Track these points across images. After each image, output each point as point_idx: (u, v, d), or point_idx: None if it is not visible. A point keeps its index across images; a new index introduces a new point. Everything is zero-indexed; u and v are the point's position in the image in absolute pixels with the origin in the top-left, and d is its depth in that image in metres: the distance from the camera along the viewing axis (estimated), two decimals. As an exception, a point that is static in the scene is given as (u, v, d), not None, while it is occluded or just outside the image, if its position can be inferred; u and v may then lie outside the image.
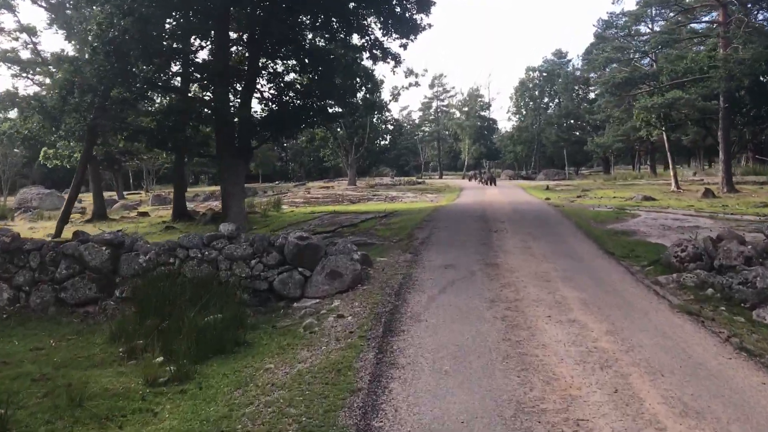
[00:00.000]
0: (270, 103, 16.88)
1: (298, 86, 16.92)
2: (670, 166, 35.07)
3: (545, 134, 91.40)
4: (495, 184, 45.35)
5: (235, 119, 15.04)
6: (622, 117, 66.67)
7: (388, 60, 18.63)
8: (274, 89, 17.23)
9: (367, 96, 21.11)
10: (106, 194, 65.81)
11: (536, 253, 11.79)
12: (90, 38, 12.96)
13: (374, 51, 16.91)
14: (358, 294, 9.44)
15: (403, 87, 49.59)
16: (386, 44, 17.85)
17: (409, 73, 48.55)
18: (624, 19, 34.97)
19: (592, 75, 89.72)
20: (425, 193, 41.16)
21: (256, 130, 15.82)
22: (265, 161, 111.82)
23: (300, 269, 10.26)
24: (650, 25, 37.00)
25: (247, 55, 16.63)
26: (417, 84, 48.71)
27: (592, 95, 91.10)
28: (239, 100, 16.26)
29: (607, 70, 70.08)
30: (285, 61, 16.77)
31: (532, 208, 21.48)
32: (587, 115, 79.43)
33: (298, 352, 6.85)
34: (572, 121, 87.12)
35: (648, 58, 37.46)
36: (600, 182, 48.09)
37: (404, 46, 17.02)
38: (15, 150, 54.62)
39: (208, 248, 10.63)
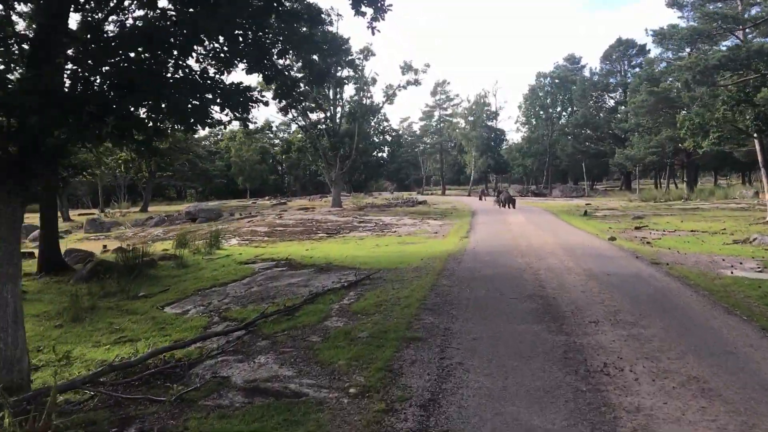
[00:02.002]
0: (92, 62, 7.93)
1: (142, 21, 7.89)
2: (765, 187, 26.04)
3: (559, 146, 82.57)
4: (514, 207, 36.40)
5: None
6: (650, 126, 58.06)
7: (363, 5, 9.64)
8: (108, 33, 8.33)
9: (316, 59, 12.26)
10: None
11: None
12: None
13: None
14: None
15: (399, 86, 40.44)
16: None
17: (407, 68, 39.70)
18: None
19: (610, 79, 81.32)
20: (427, 219, 32.25)
21: (55, 114, 6.70)
22: (253, 174, 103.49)
23: None
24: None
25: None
26: (417, 82, 39.98)
27: (611, 102, 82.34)
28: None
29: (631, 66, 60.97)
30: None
31: (615, 265, 12.40)
32: (612, 124, 70.53)
33: None
34: (589, 132, 78.22)
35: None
36: (642, 204, 39.08)
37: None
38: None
39: None
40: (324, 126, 40.26)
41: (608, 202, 45.66)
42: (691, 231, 21.63)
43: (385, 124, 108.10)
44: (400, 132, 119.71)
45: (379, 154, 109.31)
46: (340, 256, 16.24)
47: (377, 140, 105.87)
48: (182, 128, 9.51)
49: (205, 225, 35.13)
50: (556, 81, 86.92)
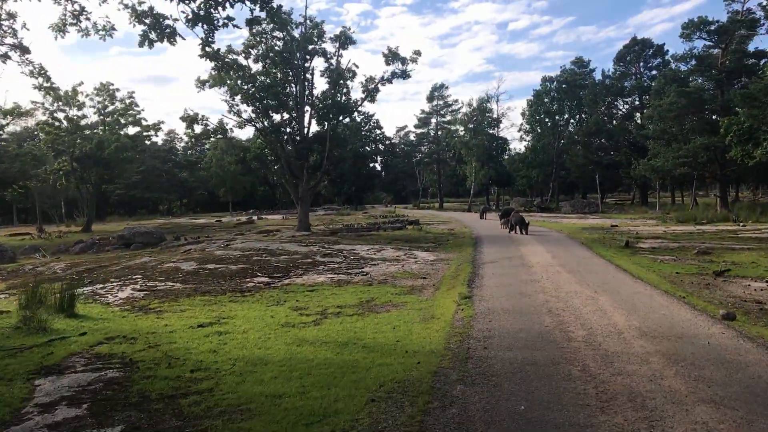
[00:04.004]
0: None
1: None
2: None
3: (569, 155, 74.84)
4: (527, 231, 28.69)
5: None
6: (676, 133, 50.34)
7: None
8: None
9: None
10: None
11: None
12: None
13: None
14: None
15: (383, 78, 32.55)
16: None
17: (392, 57, 31.89)
18: None
19: (625, 83, 73.56)
20: (415, 249, 24.52)
21: None
22: (236, 186, 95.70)
23: None
24: None
25: None
26: (404, 74, 32.16)
27: (625, 108, 74.58)
28: None
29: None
30: None
31: None
32: (633, 131, 62.82)
33: None
34: (603, 140, 70.50)
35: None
36: (690, 229, 31.34)
37: None
38: None
39: None
40: (288, 129, 32.53)
41: (637, 223, 37.91)
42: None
43: (378, 132, 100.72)
44: (396, 141, 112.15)
45: (372, 165, 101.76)
46: (228, 360, 8.48)
47: (369, 149, 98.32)
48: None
49: (132, 253, 27.46)
50: (564, 86, 79.45)
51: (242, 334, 10.37)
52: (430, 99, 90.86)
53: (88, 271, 22.59)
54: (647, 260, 19.06)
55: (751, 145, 34.62)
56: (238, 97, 31.09)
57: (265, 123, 31.99)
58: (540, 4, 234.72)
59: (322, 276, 18.18)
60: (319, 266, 20.48)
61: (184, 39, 10.38)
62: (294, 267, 20.37)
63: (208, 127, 32.56)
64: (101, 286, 18.09)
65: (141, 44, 10.23)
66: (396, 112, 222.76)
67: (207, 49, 10.27)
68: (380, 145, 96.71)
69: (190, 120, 32.19)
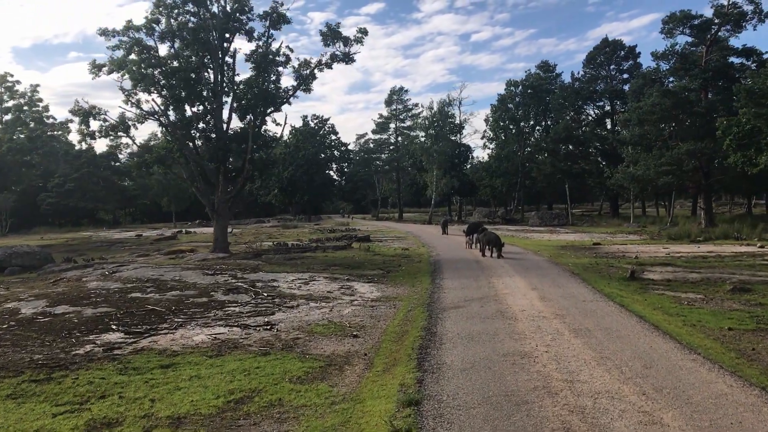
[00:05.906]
0: None
1: None
2: None
3: (536, 163, 69.98)
4: (500, 253, 23.02)
5: None
6: (655, 138, 45.88)
7: None
8: None
9: None
10: None
11: None
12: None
13: None
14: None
15: (320, 63, 26.77)
16: None
17: (333, 36, 26.05)
18: None
19: (596, 87, 69.24)
20: (354, 280, 18.66)
21: None
22: (180, 195, 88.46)
23: None
24: None
25: None
26: (348, 58, 26.30)
27: (594, 113, 70.10)
28: None
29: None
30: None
31: None
32: (609, 136, 58.18)
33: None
34: (572, 148, 65.72)
35: None
36: (695, 250, 26.22)
37: None
38: None
39: None
40: (202, 125, 26.34)
41: (619, 239, 32.83)
42: None
43: (333, 137, 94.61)
44: (356, 149, 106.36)
45: (327, 172, 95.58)
46: None
47: (323, 156, 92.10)
48: None
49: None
50: (529, 91, 74.79)
51: None
52: (388, 103, 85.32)
53: None
54: (669, 301, 13.65)
55: (753, 150, 29.88)
56: (140, 85, 24.87)
57: (173, 117, 25.81)
58: (502, 16, 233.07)
59: (205, 331, 12.13)
60: (213, 310, 14.42)
61: None
62: (175, 312, 14.25)
63: (107, 123, 26.15)
64: None
65: None
66: (359, 121, 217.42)
67: None
68: (335, 152, 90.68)
69: (84, 114, 25.75)
